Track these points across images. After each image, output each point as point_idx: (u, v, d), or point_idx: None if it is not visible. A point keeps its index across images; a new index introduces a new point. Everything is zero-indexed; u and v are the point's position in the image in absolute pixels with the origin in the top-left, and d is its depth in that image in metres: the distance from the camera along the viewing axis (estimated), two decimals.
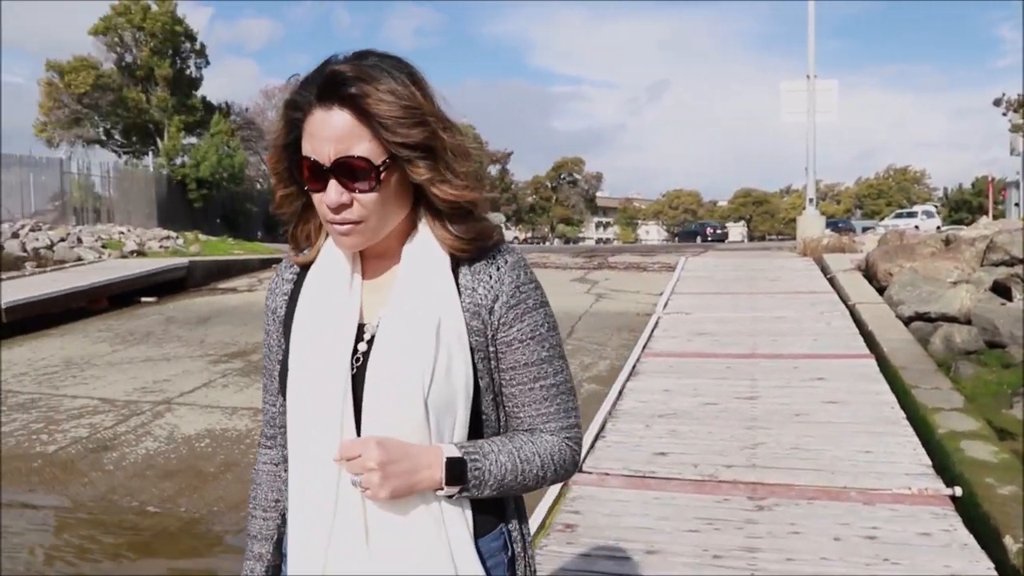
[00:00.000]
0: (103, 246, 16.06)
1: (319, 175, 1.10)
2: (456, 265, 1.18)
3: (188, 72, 32.85)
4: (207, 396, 7.05)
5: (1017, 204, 30.58)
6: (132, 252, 15.99)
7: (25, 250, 14.42)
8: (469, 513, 1.15)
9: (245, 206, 28.65)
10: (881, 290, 9.36)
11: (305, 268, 1.25)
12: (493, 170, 58.93)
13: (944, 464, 4.24)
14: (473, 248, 1.18)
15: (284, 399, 1.20)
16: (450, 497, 1.12)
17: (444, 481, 1.10)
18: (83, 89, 30.01)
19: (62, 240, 15.63)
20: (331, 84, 1.08)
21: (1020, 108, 31.85)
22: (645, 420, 5.31)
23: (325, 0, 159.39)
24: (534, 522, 3.67)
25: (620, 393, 5.96)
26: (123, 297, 12.03)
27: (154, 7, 30.94)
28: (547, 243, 60.72)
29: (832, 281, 10.67)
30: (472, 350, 1.15)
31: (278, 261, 1.36)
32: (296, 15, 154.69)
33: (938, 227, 28.76)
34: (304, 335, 1.19)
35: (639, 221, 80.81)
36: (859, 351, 7.00)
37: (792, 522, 3.67)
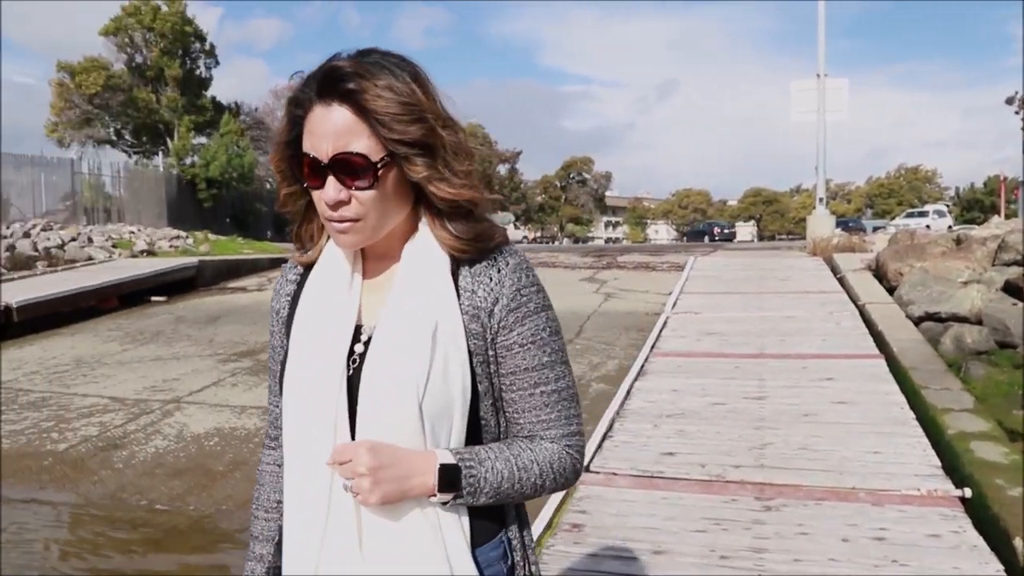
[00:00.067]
0: (113, 246, 16.15)
1: (318, 172, 1.09)
2: (456, 266, 1.16)
3: (198, 72, 33.01)
4: (216, 395, 7.08)
5: None
6: (142, 252, 16.07)
7: (36, 249, 14.51)
8: (466, 520, 1.13)
9: (255, 206, 28.76)
10: (891, 290, 9.31)
11: (308, 268, 1.25)
12: (502, 169, 58.91)
13: (954, 465, 4.22)
14: (473, 249, 1.16)
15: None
16: (445, 504, 1.10)
17: (437, 488, 1.08)
18: (94, 89, 30.20)
19: (73, 240, 15.72)
20: (330, 80, 1.07)
21: None
22: (653, 420, 5.30)
23: (335, 0, 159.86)
24: (541, 522, 3.67)
25: (628, 393, 5.95)
26: (133, 296, 12.10)
27: (164, 8, 31.11)
28: (556, 242, 60.68)
29: (842, 281, 10.62)
30: (471, 354, 1.13)
31: (287, 261, 1.36)
32: (306, 15, 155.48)
33: (950, 226, 28.59)
34: (303, 335, 1.18)
35: (648, 220, 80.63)
36: (869, 351, 6.97)
37: (800, 523, 3.66)
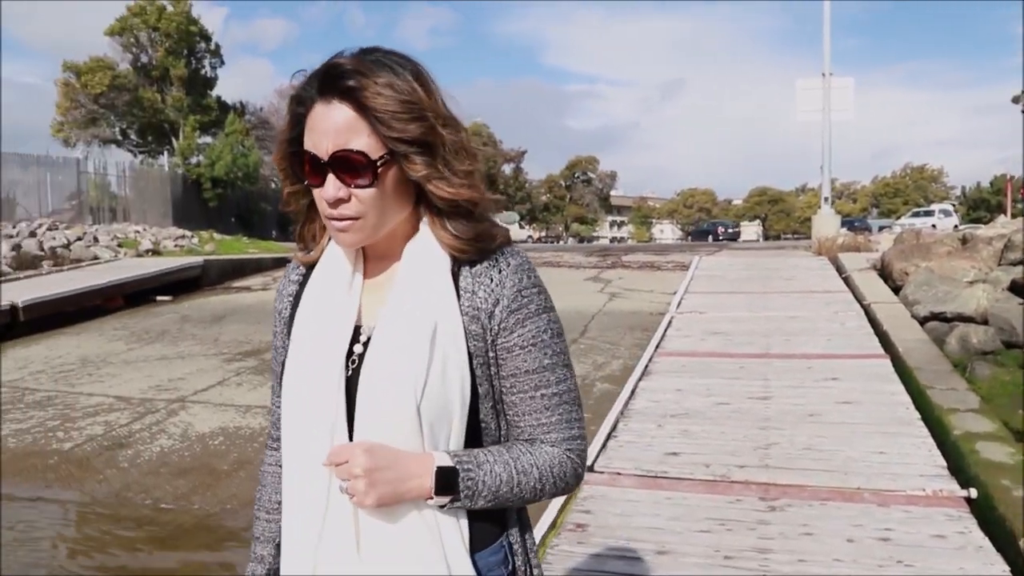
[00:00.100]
0: (119, 245, 16.20)
1: (318, 169, 1.08)
2: (457, 267, 1.15)
3: (203, 72, 33.09)
4: (221, 394, 7.09)
5: None
6: (147, 251, 16.12)
7: (42, 249, 14.56)
8: (465, 523, 1.12)
9: (259, 205, 28.81)
10: (896, 290, 9.28)
11: (311, 268, 1.25)
12: (507, 169, 58.83)
13: (959, 465, 4.20)
14: (474, 249, 1.14)
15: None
16: (442, 507, 1.10)
17: (434, 491, 1.07)
18: (99, 89, 30.28)
19: (79, 239, 15.77)
20: (331, 78, 1.07)
21: None
22: (657, 420, 5.30)
23: (340, 0, 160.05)
24: (544, 522, 3.67)
25: (632, 392, 5.94)
26: (138, 296, 12.14)
27: (169, 8, 31.17)
28: (561, 242, 60.65)
29: (847, 280, 10.60)
30: (471, 355, 1.12)
31: (290, 260, 1.35)
32: (311, 15, 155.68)
33: (955, 226, 28.52)
34: (303, 335, 1.18)
35: (653, 220, 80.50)
36: (874, 351, 6.95)
37: (804, 523, 3.65)
